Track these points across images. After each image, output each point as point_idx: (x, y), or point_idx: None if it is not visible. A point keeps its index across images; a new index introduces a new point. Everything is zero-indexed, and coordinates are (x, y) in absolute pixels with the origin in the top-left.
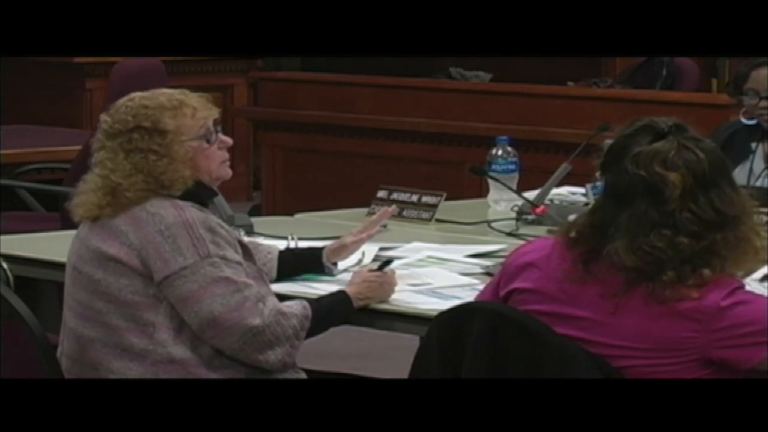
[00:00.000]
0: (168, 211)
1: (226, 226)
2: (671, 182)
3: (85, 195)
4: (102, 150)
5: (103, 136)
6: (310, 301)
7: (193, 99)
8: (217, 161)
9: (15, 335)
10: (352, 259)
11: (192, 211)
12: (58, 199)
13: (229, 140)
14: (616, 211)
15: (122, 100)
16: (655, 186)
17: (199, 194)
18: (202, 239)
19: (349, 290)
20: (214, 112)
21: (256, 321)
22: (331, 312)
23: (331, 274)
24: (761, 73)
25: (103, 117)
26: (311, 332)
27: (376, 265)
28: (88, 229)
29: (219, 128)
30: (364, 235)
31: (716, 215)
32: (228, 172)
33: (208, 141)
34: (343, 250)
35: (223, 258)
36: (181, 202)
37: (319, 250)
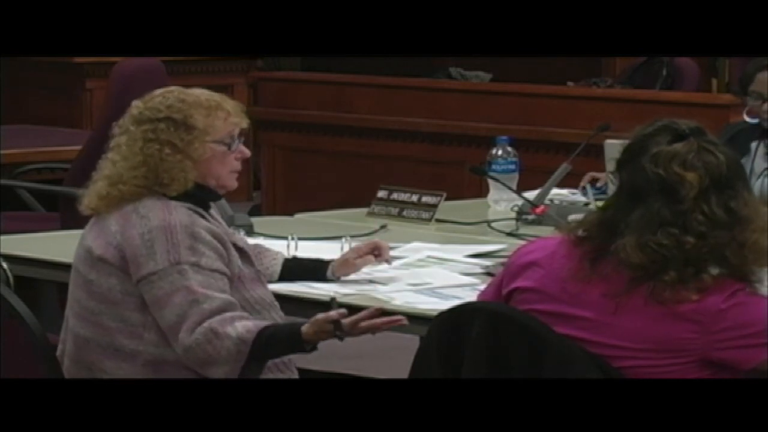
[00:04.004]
0: (155, 213)
1: (218, 230)
2: (688, 182)
3: (94, 184)
4: (124, 134)
5: (129, 120)
6: (265, 326)
7: (230, 104)
8: (228, 169)
9: (15, 335)
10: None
11: (180, 215)
12: (58, 199)
13: (247, 152)
14: (628, 209)
15: (159, 91)
16: (671, 185)
17: (197, 196)
18: (177, 245)
19: (305, 329)
20: (244, 123)
21: (186, 341)
22: (277, 344)
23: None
24: (766, 76)
25: (136, 103)
26: (256, 358)
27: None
28: (89, 228)
29: (242, 139)
30: (371, 258)
31: (727, 216)
32: (234, 184)
33: (229, 147)
34: (349, 267)
35: (195, 265)
36: (173, 203)
37: (326, 263)
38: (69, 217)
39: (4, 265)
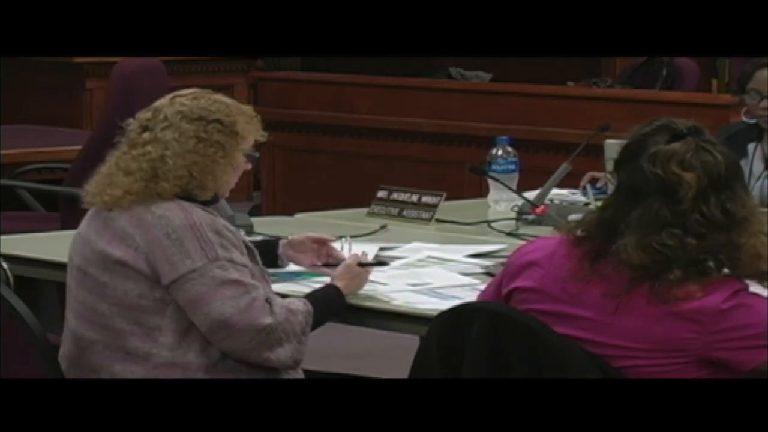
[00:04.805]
0: (174, 213)
1: (232, 228)
2: (686, 182)
3: (109, 177)
4: (168, 129)
5: (176, 116)
6: (307, 297)
7: (257, 117)
8: (236, 180)
9: (15, 335)
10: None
11: (199, 214)
12: (58, 199)
13: (249, 167)
14: (627, 209)
15: (195, 91)
16: (670, 185)
17: (207, 202)
18: (210, 242)
19: (341, 285)
20: (264, 137)
21: (268, 320)
22: (328, 307)
23: (283, 266)
24: (764, 74)
25: (178, 99)
26: (315, 327)
27: (366, 259)
28: (93, 230)
29: (257, 153)
30: (325, 236)
31: (724, 217)
32: (227, 194)
33: (246, 159)
34: (304, 245)
35: (231, 260)
36: (186, 204)
37: (275, 242)
38: (69, 217)
39: (4, 265)
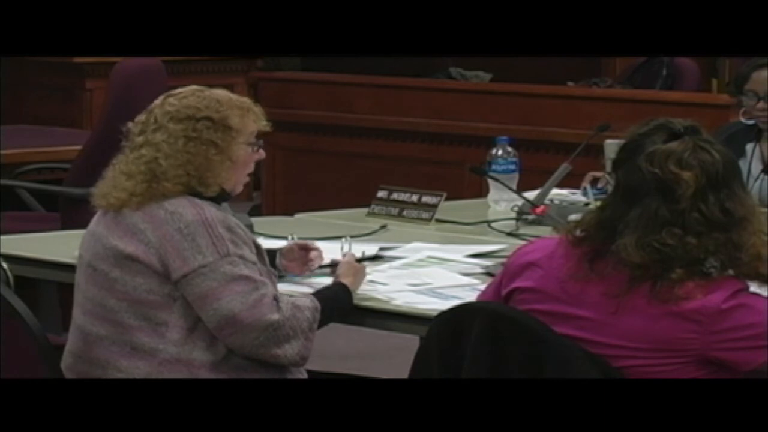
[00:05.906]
0: (187, 209)
1: (243, 226)
2: (684, 181)
3: (113, 180)
4: (158, 131)
5: (165, 117)
6: (315, 294)
7: (256, 107)
8: (246, 172)
9: (15, 335)
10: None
11: (211, 210)
12: (58, 199)
13: (263, 154)
14: (626, 209)
15: (188, 89)
16: (667, 184)
17: (216, 198)
18: (222, 238)
19: (347, 281)
20: (268, 127)
21: (276, 316)
22: (336, 304)
23: (282, 276)
24: (762, 75)
25: (168, 100)
26: (319, 325)
27: (358, 254)
28: (104, 227)
29: (261, 142)
30: (309, 243)
31: (723, 216)
32: (240, 189)
33: (252, 148)
34: (293, 253)
35: (242, 257)
36: (198, 201)
37: (274, 253)
38: (69, 217)
39: (4, 265)
